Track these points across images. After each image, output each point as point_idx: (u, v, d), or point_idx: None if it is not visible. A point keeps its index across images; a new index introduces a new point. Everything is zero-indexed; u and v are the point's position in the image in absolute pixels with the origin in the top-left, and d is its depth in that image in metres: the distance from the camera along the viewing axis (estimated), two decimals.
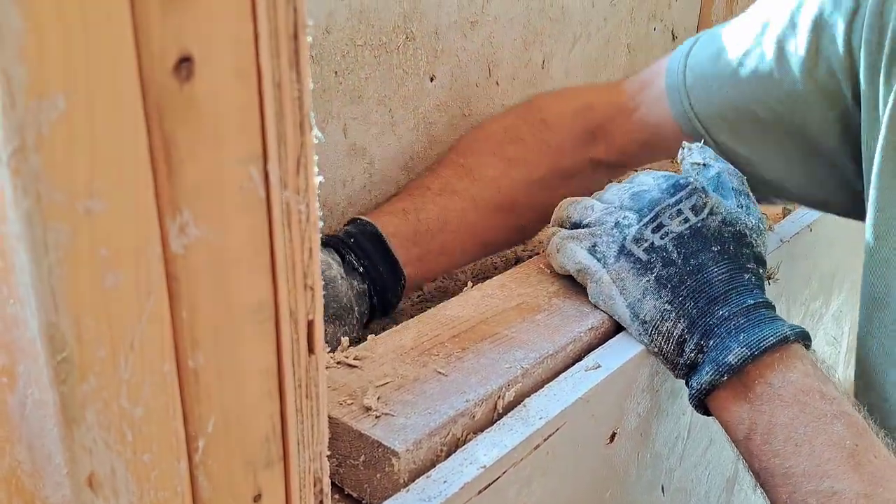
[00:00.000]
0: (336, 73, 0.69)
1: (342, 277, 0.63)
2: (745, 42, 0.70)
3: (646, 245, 0.57)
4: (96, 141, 0.23)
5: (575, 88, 0.87)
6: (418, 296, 0.80)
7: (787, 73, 0.67)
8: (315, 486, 0.34)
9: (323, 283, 0.59)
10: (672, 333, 0.56)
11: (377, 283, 0.66)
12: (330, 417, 0.46)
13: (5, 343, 0.26)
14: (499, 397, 0.51)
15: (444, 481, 0.44)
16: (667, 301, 0.56)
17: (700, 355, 0.55)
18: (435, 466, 0.46)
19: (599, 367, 0.55)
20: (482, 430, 0.49)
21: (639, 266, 0.57)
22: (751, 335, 0.53)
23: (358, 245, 0.66)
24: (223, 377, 0.29)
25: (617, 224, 0.59)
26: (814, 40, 0.65)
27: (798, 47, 0.66)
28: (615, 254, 0.58)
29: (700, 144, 0.67)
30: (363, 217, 0.69)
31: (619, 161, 0.81)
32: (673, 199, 0.58)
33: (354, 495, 0.48)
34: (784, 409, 0.51)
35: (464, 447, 0.48)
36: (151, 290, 0.25)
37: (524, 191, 0.76)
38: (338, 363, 0.52)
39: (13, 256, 0.24)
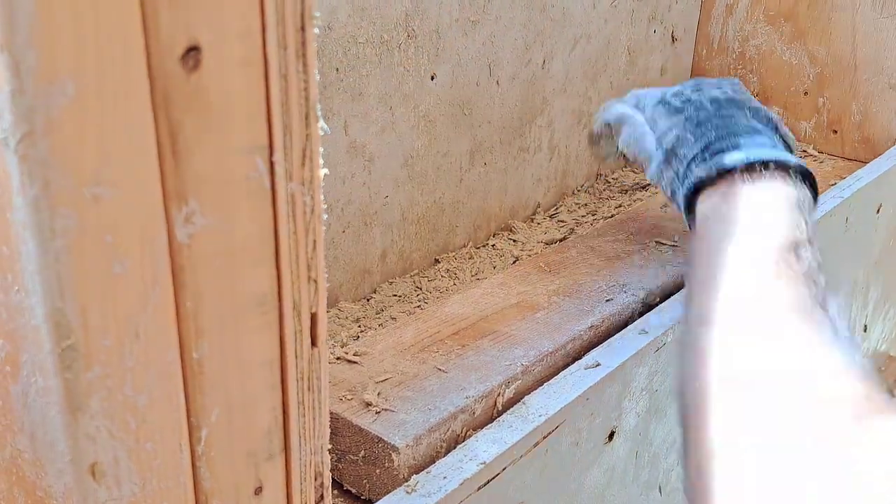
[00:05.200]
0: (337, 70, 0.69)
1: None
2: None
3: (683, 98, 0.62)
4: (104, 127, 0.23)
5: None
6: (417, 294, 0.80)
7: None
8: (316, 479, 0.34)
9: None
10: (687, 156, 0.58)
11: None
12: (330, 412, 0.46)
13: (9, 331, 0.26)
14: (498, 394, 0.51)
15: (444, 477, 0.44)
16: (689, 132, 0.59)
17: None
18: (434, 462, 0.46)
19: (599, 365, 0.55)
20: (482, 427, 0.49)
21: (672, 110, 0.62)
22: (753, 152, 0.53)
23: None
24: (226, 368, 0.28)
25: (662, 95, 0.64)
26: None
27: None
28: (654, 104, 0.64)
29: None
30: None
31: None
32: (715, 81, 0.64)
33: (353, 491, 0.48)
34: (737, 215, 0.49)
35: (463, 444, 0.47)
36: (157, 278, 0.25)
37: None
38: (337, 359, 0.52)
39: (19, 244, 0.24)
